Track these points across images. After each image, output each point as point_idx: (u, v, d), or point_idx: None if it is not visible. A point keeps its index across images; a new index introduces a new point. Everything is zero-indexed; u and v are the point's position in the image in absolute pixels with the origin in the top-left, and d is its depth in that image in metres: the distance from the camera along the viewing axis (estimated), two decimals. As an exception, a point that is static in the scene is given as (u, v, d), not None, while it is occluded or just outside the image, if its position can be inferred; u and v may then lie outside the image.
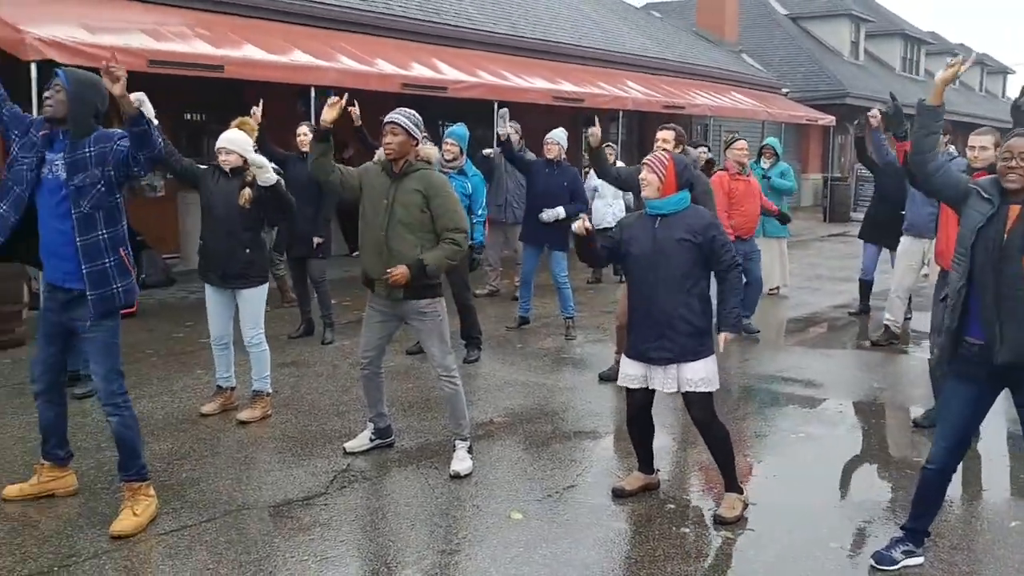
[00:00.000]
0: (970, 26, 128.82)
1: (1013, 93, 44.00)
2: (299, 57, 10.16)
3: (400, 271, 4.68)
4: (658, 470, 4.78)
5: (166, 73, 8.74)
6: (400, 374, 6.99)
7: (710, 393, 4.33)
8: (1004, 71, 43.77)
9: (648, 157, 4.43)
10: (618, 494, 4.60)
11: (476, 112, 12.56)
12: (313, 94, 10.27)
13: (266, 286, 5.86)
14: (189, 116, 12.58)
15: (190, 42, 9.24)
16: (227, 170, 5.67)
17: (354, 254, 12.42)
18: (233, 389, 6.01)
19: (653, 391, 4.45)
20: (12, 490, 4.50)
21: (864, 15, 30.60)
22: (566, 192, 8.18)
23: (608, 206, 11.32)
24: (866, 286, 9.64)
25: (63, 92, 4.09)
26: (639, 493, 4.64)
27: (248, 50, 9.70)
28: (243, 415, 5.81)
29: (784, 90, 23.98)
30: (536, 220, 8.18)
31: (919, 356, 7.91)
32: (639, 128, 19.50)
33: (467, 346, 7.50)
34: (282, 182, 5.69)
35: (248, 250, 5.67)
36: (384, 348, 5.17)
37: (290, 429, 5.65)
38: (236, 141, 5.65)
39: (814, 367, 7.60)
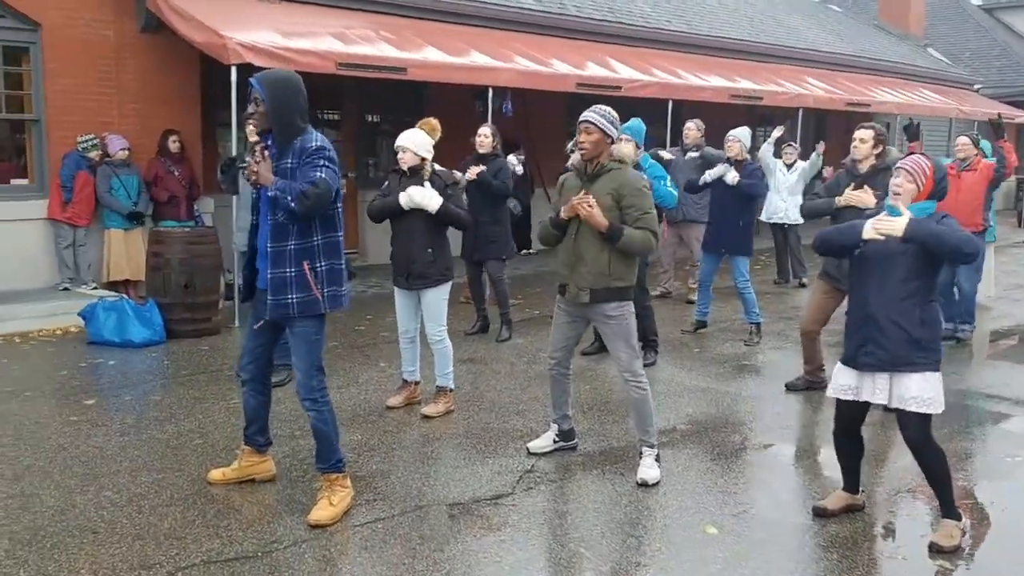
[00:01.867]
0: None
1: None
2: (477, 58, 10.25)
3: (596, 216, 4.57)
4: (863, 491, 4.48)
5: (353, 75, 9.03)
6: (576, 376, 6.90)
7: (928, 415, 4.00)
8: None
9: (906, 162, 4.06)
10: (819, 513, 4.34)
11: (651, 111, 12.35)
12: (491, 94, 10.38)
13: (449, 285, 5.90)
14: (369, 118, 12.96)
15: (376, 45, 9.49)
16: (405, 169, 5.74)
17: (522, 252, 12.48)
18: (418, 383, 6.10)
19: (866, 405, 4.16)
20: (216, 474, 4.69)
21: (1068, 3, 28.30)
22: (743, 187, 7.89)
23: (783, 200, 10.92)
24: None
25: (263, 104, 4.15)
26: (842, 513, 4.36)
27: (429, 52, 9.87)
28: (427, 409, 5.88)
29: (976, 86, 22.46)
30: (718, 226, 7.96)
31: None
32: (816, 126, 18.70)
33: (643, 348, 7.33)
34: (450, 208, 5.68)
35: (430, 250, 5.72)
36: (572, 349, 5.10)
37: (473, 426, 5.67)
38: (413, 141, 5.70)
39: (1023, 384, 7.02)
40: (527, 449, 5.19)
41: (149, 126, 9.45)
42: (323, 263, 4.26)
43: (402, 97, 11.81)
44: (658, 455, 4.89)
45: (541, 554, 3.98)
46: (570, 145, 8.77)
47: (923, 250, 3.90)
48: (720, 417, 6.00)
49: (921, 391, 3.96)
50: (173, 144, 9.43)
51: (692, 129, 9.46)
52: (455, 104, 11.23)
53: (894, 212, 3.97)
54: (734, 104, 13.59)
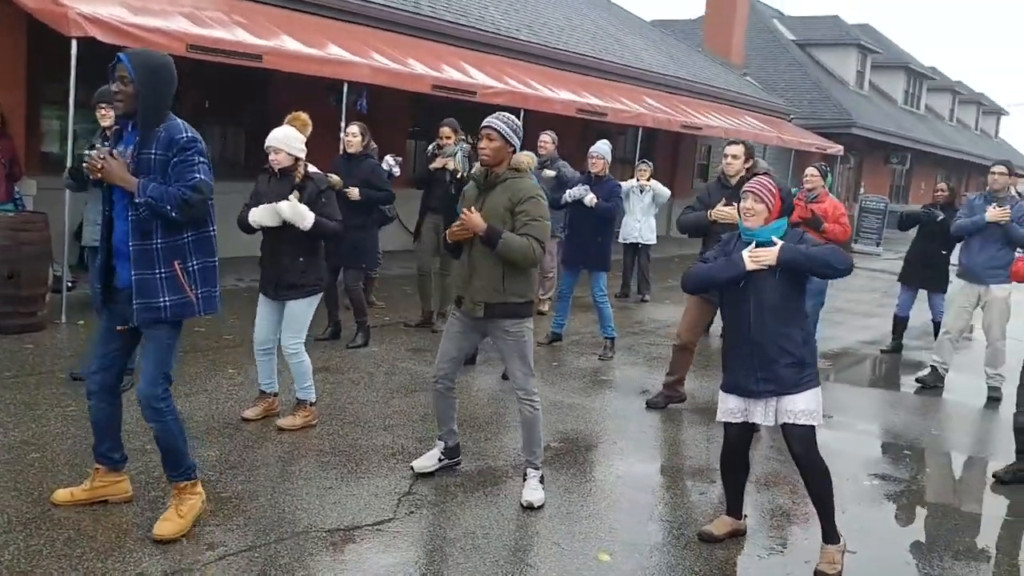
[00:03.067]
0: (969, 62, 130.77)
1: (1005, 134, 44.40)
2: (334, 51, 9.89)
3: (474, 219, 4.46)
4: (745, 515, 4.58)
5: (205, 60, 8.48)
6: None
7: (813, 428, 4.11)
8: (999, 112, 44.22)
9: (752, 184, 4.18)
10: (705, 538, 4.38)
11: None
12: (346, 89, 10.04)
13: (317, 298, 5.59)
14: (207, 104, 12.25)
15: (230, 29, 8.96)
16: (276, 171, 5.41)
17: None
18: (276, 395, 5.74)
19: (753, 427, 4.24)
20: (62, 495, 4.21)
21: (872, 46, 30.74)
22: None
23: (637, 221, 11.17)
24: (901, 322, 9.55)
25: (131, 85, 3.78)
26: (727, 539, 4.42)
27: (285, 41, 9.43)
28: (283, 422, 5.55)
29: (791, 116, 23.96)
30: (577, 243, 8.02)
31: (960, 401, 7.80)
32: (647, 144, 19.35)
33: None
34: (323, 223, 5.42)
35: (301, 259, 5.41)
36: (460, 362, 4.93)
37: (339, 442, 5.39)
38: (286, 140, 5.37)
39: (859, 406, 7.45)
40: (411, 468, 4.97)
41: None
42: (196, 261, 3.93)
43: (241, 85, 11.25)
44: (543, 476, 4.81)
45: (435, 585, 3.80)
46: (431, 148, 8.61)
47: (793, 273, 4.04)
48: (590, 435, 6.00)
49: (808, 405, 4.08)
50: (-8, 118, 8.52)
51: (548, 142, 9.49)
52: (302, 97, 10.73)
53: (760, 236, 4.09)
54: (579, 118, 13.83)
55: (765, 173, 8.87)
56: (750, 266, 4.04)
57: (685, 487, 5.27)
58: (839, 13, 31.95)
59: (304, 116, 5.54)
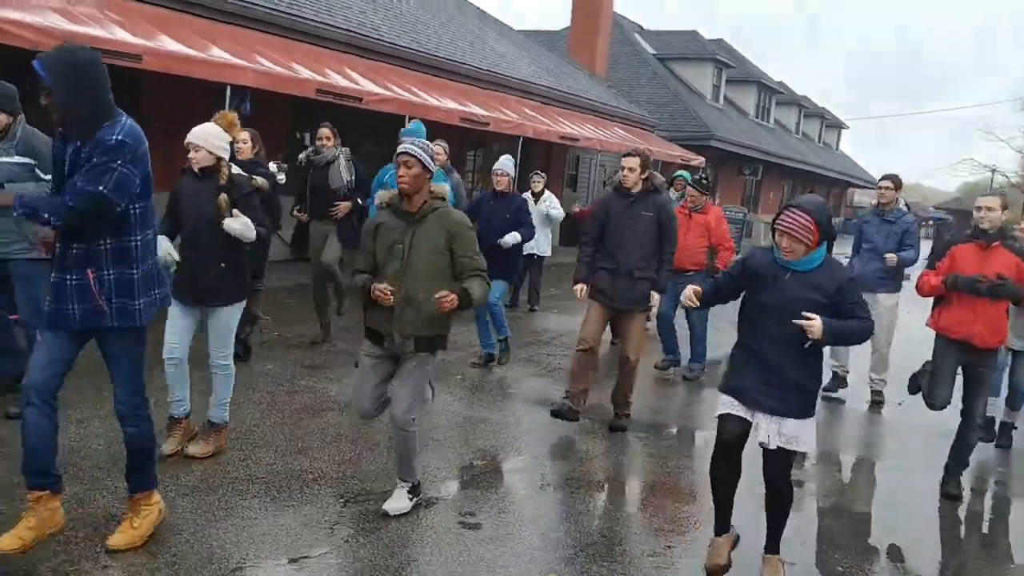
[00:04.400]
0: (812, 79, 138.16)
1: (845, 147, 47.17)
2: (217, 54, 9.45)
3: (451, 297, 4.28)
4: (733, 527, 4.45)
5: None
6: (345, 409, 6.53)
7: (795, 453, 4.12)
8: (839, 126, 46.97)
9: (787, 223, 3.92)
10: (717, 572, 4.23)
11: (389, 127, 12.14)
12: (229, 93, 9.62)
13: (242, 305, 5.28)
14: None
15: (106, 27, 8.41)
16: (196, 170, 5.06)
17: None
18: (188, 416, 5.36)
19: (749, 425, 4.15)
20: (9, 542, 3.68)
21: (727, 61, 32.01)
22: (510, 223, 7.96)
23: (542, 234, 11.17)
24: None
25: (53, 95, 3.47)
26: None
27: (165, 41, 8.93)
28: (194, 449, 5.20)
29: (655, 128, 24.63)
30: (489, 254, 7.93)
31: (853, 406, 8.16)
32: (524, 154, 19.47)
33: None
34: (262, 232, 5.21)
35: (223, 264, 5.08)
36: (385, 394, 4.69)
37: (255, 469, 5.09)
38: (204, 135, 4.98)
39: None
40: (384, 511, 4.63)
41: None
42: (112, 272, 3.68)
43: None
44: (410, 488, 4.75)
45: (388, 619, 3.62)
46: (306, 152, 8.26)
47: (825, 308, 3.96)
48: (510, 449, 5.92)
49: (801, 433, 4.09)
50: None
51: (440, 152, 9.33)
52: (178, 101, 10.26)
53: (801, 267, 4.01)
54: (462, 127, 13.74)
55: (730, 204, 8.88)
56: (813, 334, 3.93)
57: (620, 500, 5.25)
58: (698, 28, 33.09)
59: (232, 116, 5.15)
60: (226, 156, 5.08)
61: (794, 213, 3.92)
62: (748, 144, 29.79)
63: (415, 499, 4.76)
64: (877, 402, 8.17)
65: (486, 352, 8.24)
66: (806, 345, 3.99)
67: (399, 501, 4.68)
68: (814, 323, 3.88)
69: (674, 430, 6.98)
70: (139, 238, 3.74)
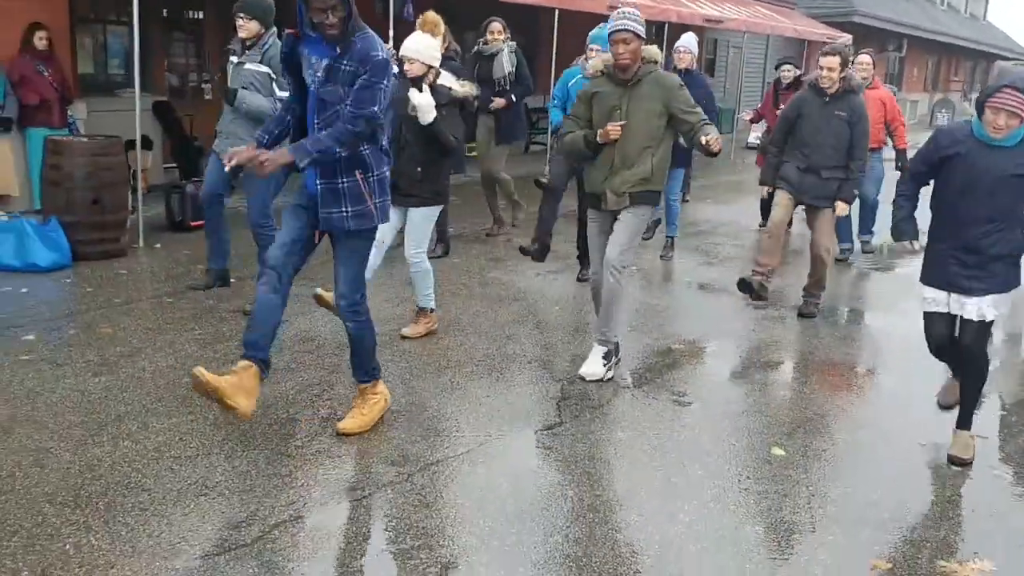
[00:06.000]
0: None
1: (994, 16, 43.78)
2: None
3: (716, 137, 4.53)
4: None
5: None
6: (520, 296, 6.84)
7: (991, 323, 4.20)
8: None
9: (1006, 100, 3.85)
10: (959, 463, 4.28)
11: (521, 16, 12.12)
12: (392, -4, 9.79)
13: (438, 208, 5.57)
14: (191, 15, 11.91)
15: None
16: (409, 79, 5.29)
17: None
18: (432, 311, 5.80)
19: (953, 319, 4.27)
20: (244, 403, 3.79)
21: (869, -70, 30.03)
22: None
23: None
24: None
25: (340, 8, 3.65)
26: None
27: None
28: (405, 331, 5.64)
29: (795, 5, 23.57)
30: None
31: None
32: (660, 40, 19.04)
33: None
34: (438, 126, 5.26)
35: (419, 168, 5.36)
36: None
37: (473, 354, 5.43)
38: (419, 48, 5.15)
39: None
40: (580, 376, 5.04)
41: (10, 18, 8.22)
42: (375, 173, 3.96)
43: None
44: (607, 352, 5.06)
45: (631, 484, 3.92)
46: (478, 44, 8.36)
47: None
48: (703, 334, 6.11)
49: (1003, 305, 4.18)
50: (40, 40, 8.22)
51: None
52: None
53: (1008, 142, 3.98)
54: (605, 15, 13.52)
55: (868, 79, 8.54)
56: None
57: (820, 376, 5.41)
58: None
59: (433, 16, 5.32)
60: (436, 64, 5.27)
61: (1010, 92, 3.88)
62: (891, 18, 28.16)
63: (609, 365, 5.06)
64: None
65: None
66: None
67: (594, 366, 5.04)
68: None
69: (863, 312, 7.03)
70: (384, 143, 4.01)
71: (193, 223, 8.09)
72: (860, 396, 5.19)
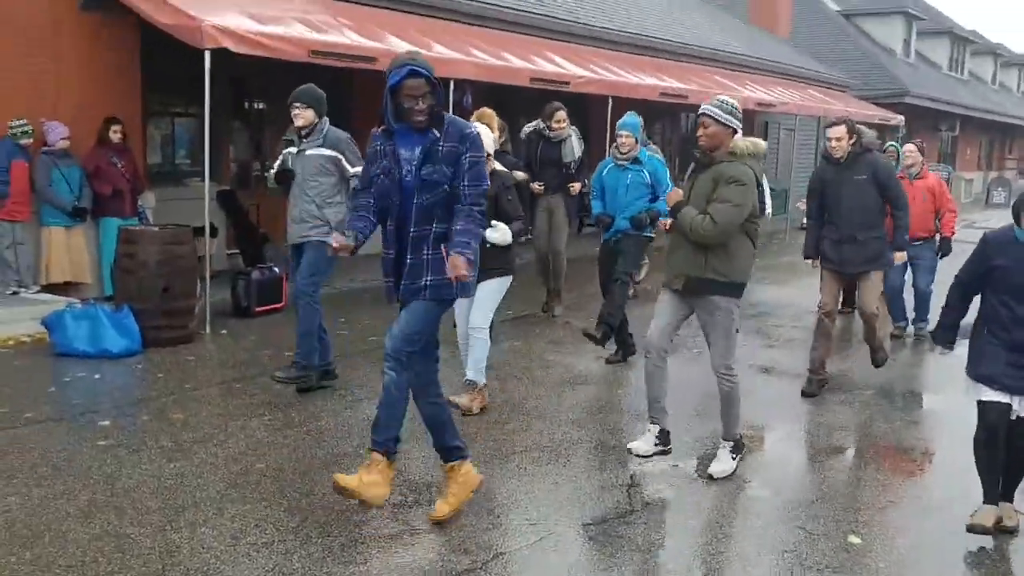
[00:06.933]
0: (1007, 24, 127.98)
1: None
2: (439, 50, 9.94)
3: (671, 195, 4.84)
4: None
5: (325, 64, 8.55)
6: (599, 380, 6.83)
7: None
8: (1022, 64, 42.56)
9: None
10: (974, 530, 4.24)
11: (593, 109, 12.41)
12: (452, 87, 10.09)
13: (508, 280, 5.79)
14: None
15: (344, 32, 9.03)
16: None
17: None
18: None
19: (1008, 406, 4.21)
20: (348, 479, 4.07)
21: (917, 13, 30.35)
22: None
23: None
24: None
25: (434, 93, 3.85)
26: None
27: (393, 42, 9.48)
28: (455, 399, 5.59)
29: (848, 88, 23.73)
30: None
31: None
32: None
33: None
34: (520, 228, 5.70)
35: (489, 245, 5.47)
36: (670, 336, 5.06)
37: (538, 439, 5.42)
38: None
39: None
40: (629, 450, 5.12)
41: (88, 113, 8.62)
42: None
43: (342, 87, 11.32)
44: (735, 448, 5.02)
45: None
46: (531, 127, 8.66)
47: None
48: (767, 419, 6.05)
49: None
50: (115, 134, 8.60)
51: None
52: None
53: None
54: (661, 102, 13.80)
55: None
56: None
57: (886, 462, 5.30)
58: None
59: (489, 112, 5.63)
60: (492, 153, 5.47)
61: None
62: (943, 99, 28.21)
63: (738, 457, 5.00)
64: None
65: None
66: None
67: (723, 463, 4.96)
68: None
69: (921, 395, 6.91)
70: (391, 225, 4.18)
71: (258, 309, 8.29)
72: (931, 480, 5.06)
